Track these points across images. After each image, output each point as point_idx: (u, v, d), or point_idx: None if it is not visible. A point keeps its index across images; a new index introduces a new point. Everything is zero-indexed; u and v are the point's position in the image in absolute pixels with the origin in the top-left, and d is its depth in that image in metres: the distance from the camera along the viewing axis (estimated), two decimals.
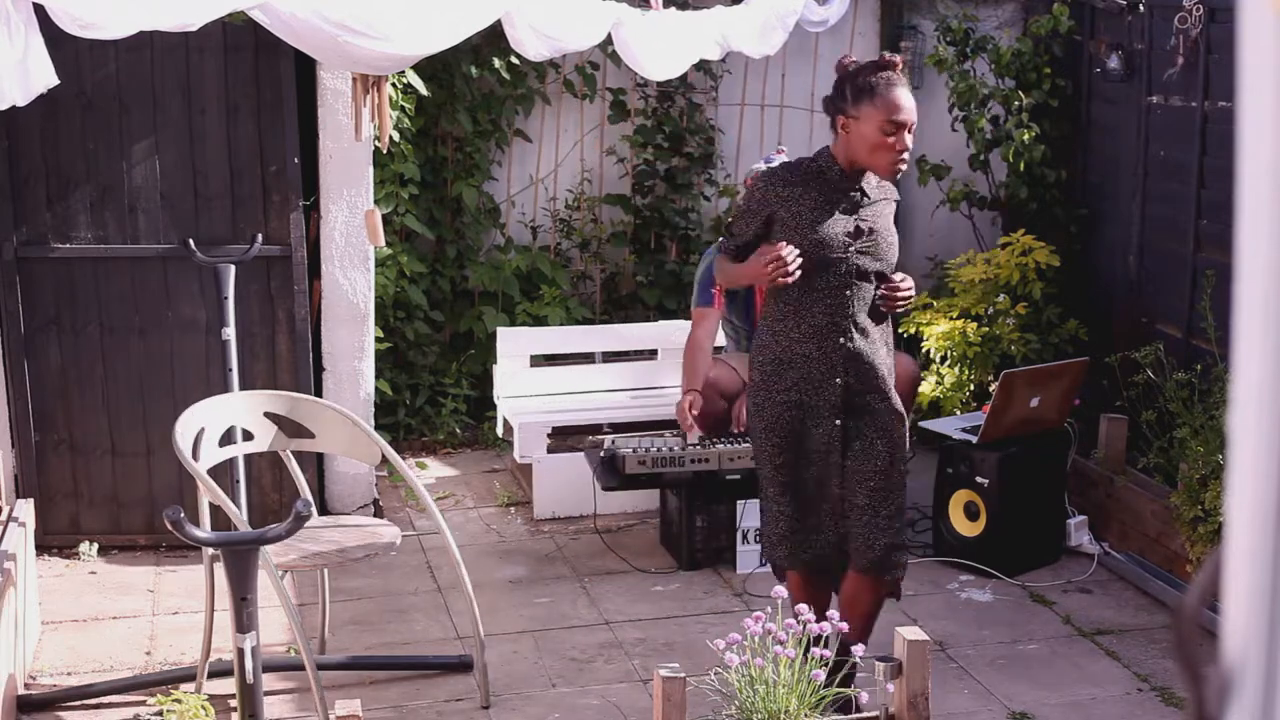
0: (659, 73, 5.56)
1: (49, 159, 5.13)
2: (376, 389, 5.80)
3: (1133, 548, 5.23)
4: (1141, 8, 5.76)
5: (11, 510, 4.64)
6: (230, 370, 4.95)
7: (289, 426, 4.25)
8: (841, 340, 3.70)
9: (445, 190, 6.54)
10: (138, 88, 5.14)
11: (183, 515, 3.04)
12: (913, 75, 6.78)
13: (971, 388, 6.01)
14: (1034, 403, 5.17)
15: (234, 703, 3.49)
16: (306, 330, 5.35)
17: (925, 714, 3.22)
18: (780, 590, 3.43)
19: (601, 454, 5.23)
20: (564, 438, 5.80)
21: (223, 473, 4.51)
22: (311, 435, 4.25)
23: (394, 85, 5.74)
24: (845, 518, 3.78)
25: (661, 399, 5.93)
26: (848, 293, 3.70)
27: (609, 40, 5.28)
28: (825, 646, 3.24)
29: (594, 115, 6.83)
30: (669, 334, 6.08)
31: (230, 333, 5.01)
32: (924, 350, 6.12)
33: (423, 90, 6.01)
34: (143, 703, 4.18)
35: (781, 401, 3.75)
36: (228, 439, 4.25)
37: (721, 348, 5.61)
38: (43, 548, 5.16)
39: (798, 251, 3.61)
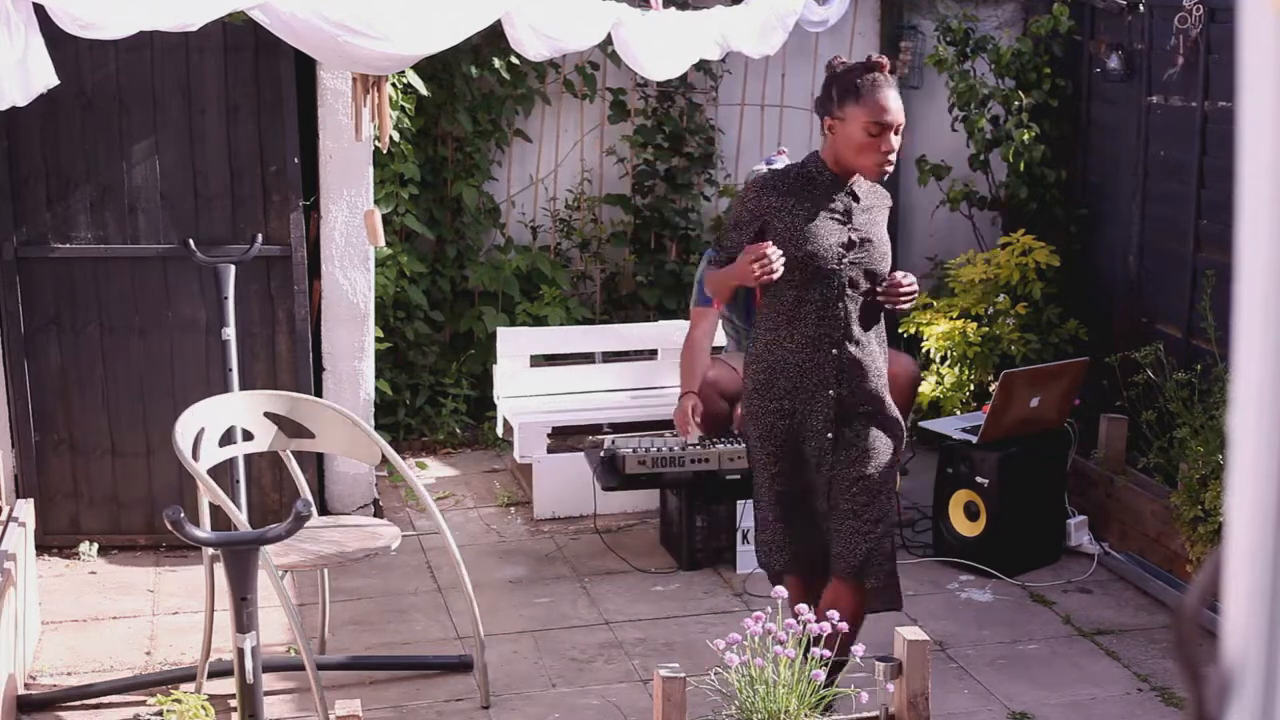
0: (659, 73, 5.56)
1: (49, 159, 5.13)
2: (376, 389, 5.80)
3: (1133, 548, 5.23)
4: (1141, 8, 5.76)
5: (11, 510, 4.64)
6: (230, 370, 4.95)
7: (289, 426, 4.25)
8: (835, 351, 3.68)
9: (445, 190, 6.55)
10: (138, 88, 5.14)
11: (183, 515, 3.04)
12: (913, 75, 6.78)
13: (971, 388, 6.01)
14: (1034, 403, 5.17)
15: (234, 703, 3.49)
16: (306, 330, 5.35)
17: (925, 714, 3.22)
18: (780, 590, 3.43)
19: (601, 454, 5.23)
20: (564, 438, 5.80)
21: (223, 473, 4.51)
22: (311, 435, 4.25)
23: (394, 85, 5.74)
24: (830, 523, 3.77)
25: (661, 399, 5.93)
26: (840, 304, 3.68)
27: (609, 40, 5.29)
28: (825, 646, 3.24)
29: (594, 115, 6.83)
30: (669, 334, 6.08)
31: (230, 333, 5.01)
32: (924, 350, 6.12)
33: (423, 90, 6.02)
34: (143, 703, 4.18)
35: (774, 410, 3.74)
36: (228, 439, 4.25)
37: (721, 347, 5.61)
38: (43, 548, 5.16)
39: (780, 252, 3.59)
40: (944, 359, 6.07)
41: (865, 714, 3.27)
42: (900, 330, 6.25)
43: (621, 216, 6.87)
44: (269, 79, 5.19)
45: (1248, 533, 0.74)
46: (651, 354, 6.26)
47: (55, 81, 4.15)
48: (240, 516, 3.86)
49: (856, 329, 3.70)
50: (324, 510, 5.48)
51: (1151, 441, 5.22)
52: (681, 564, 5.22)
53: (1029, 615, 4.85)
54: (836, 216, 3.69)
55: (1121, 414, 5.48)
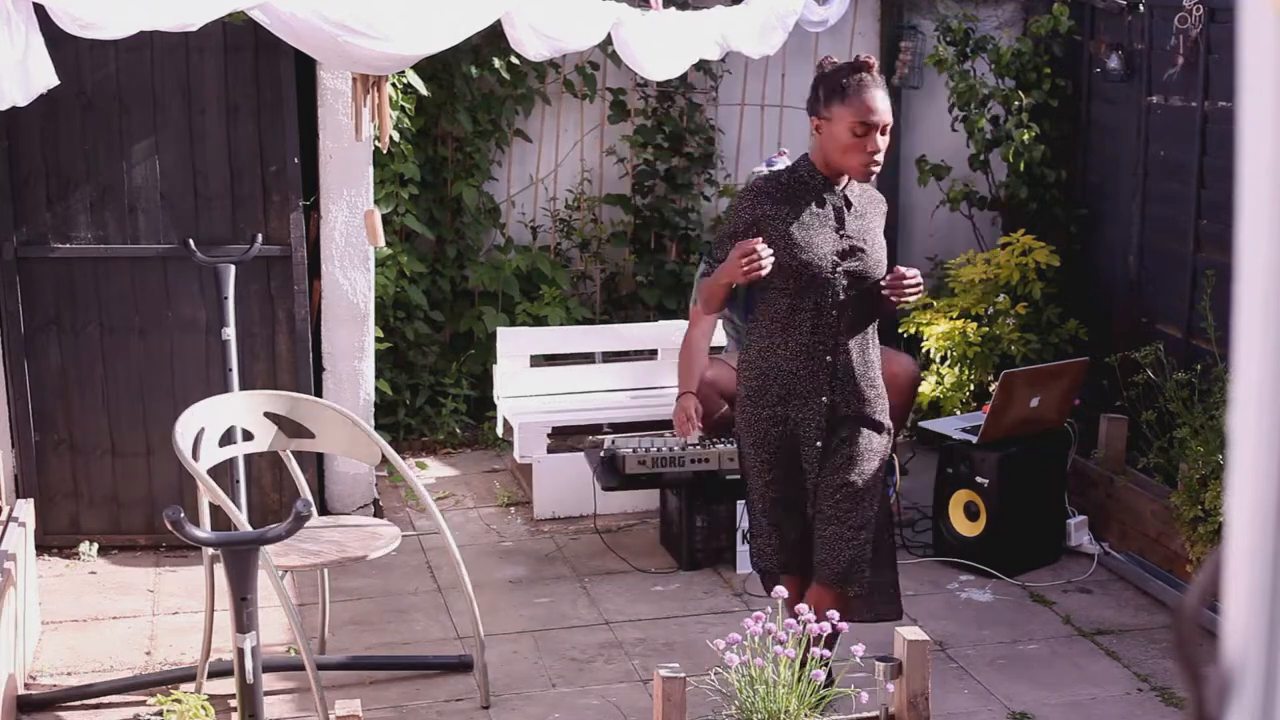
0: (659, 73, 5.56)
1: (49, 159, 5.13)
2: (376, 389, 5.80)
3: (1133, 548, 5.23)
4: (1141, 8, 5.76)
5: (11, 510, 4.64)
6: (230, 370, 4.95)
7: (289, 426, 4.25)
8: (829, 359, 3.68)
9: (445, 190, 6.54)
10: (138, 88, 5.14)
11: (183, 515, 3.04)
12: (912, 75, 6.78)
13: (971, 388, 6.01)
14: (1034, 403, 5.17)
15: (234, 703, 3.49)
16: (306, 330, 5.35)
17: (925, 714, 3.22)
18: (781, 590, 3.42)
19: (601, 454, 5.23)
20: (564, 438, 5.80)
21: (223, 473, 4.51)
22: (311, 435, 4.25)
23: (394, 85, 5.74)
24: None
25: (661, 399, 5.93)
26: (835, 312, 3.68)
27: (609, 40, 5.29)
28: (825, 646, 3.24)
29: (594, 115, 6.83)
30: (669, 334, 6.08)
31: (230, 333, 5.01)
32: (924, 350, 6.12)
33: (423, 90, 6.01)
34: (143, 703, 4.18)
35: (768, 417, 3.73)
36: (228, 439, 4.25)
37: (721, 347, 5.61)
38: (43, 548, 5.16)
39: (770, 250, 3.59)
40: (944, 359, 6.07)
41: (865, 714, 3.27)
42: (900, 330, 6.26)
43: (621, 216, 6.87)
44: (269, 79, 5.19)
45: (1248, 533, 0.74)
46: (651, 354, 6.26)
47: (55, 81, 4.15)
48: (240, 516, 3.86)
49: (850, 336, 3.70)
50: (324, 510, 5.48)
51: (1151, 441, 5.22)
52: (681, 564, 5.22)
53: (1029, 615, 4.85)
54: (830, 224, 3.68)
55: (1121, 414, 5.48)
